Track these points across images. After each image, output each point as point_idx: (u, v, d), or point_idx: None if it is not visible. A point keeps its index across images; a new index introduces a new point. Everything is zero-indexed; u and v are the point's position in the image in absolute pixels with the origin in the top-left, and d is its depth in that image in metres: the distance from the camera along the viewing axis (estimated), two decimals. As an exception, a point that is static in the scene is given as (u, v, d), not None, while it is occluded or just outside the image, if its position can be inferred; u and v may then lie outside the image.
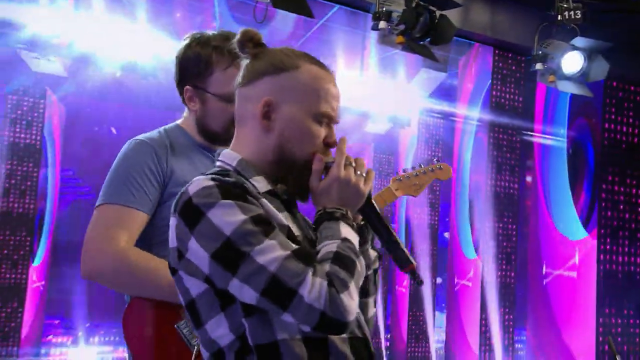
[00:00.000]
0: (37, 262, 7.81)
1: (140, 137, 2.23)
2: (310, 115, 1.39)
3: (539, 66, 6.21)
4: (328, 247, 1.30)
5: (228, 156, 1.44)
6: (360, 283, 1.32)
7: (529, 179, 8.27)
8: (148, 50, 6.52)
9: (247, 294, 1.23)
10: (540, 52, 6.17)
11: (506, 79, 7.30)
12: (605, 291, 6.64)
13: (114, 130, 8.68)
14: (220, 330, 1.30)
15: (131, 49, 6.50)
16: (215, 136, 2.22)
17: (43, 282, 8.14)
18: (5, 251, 6.96)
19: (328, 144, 1.41)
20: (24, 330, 7.22)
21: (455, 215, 7.87)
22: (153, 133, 2.22)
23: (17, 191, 7.13)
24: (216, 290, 1.29)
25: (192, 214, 1.27)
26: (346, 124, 8.66)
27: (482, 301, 7.08)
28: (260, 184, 1.39)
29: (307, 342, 1.31)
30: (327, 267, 1.25)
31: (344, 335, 1.34)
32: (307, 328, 1.25)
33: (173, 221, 1.33)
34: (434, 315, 8.75)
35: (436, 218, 8.74)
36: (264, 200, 1.32)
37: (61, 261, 8.82)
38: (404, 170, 2.57)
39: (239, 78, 1.45)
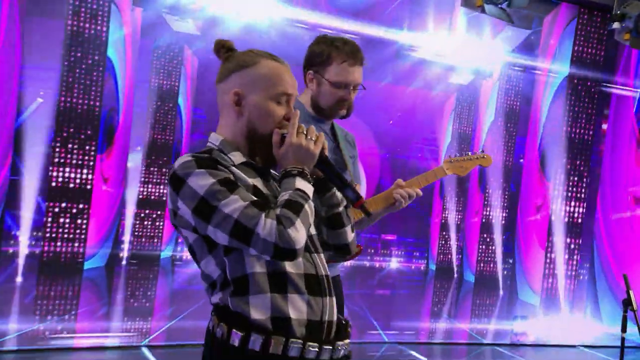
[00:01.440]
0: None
1: None
2: (270, 98, 1.55)
3: (616, 25, 6.39)
4: (283, 196, 1.47)
5: (214, 138, 1.62)
6: (311, 220, 1.49)
7: (604, 126, 8.19)
8: (264, 13, 7.29)
9: (220, 237, 1.42)
10: (619, 12, 6.27)
11: (589, 35, 7.37)
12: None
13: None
14: (210, 267, 1.49)
15: (251, 11, 7.24)
16: (322, 112, 2.58)
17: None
18: (150, 174, 8.07)
19: (289, 119, 1.57)
20: (165, 235, 8.28)
21: (529, 159, 8.09)
22: None
23: (160, 126, 8.17)
24: (202, 236, 1.47)
25: (177, 182, 1.45)
26: (431, 76, 9.24)
27: (549, 232, 7.48)
28: (236, 157, 1.56)
29: (270, 276, 1.48)
30: (278, 210, 1.42)
31: (299, 272, 1.52)
32: (267, 257, 1.43)
33: (168, 189, 1.51)
34: (502, 241, 8.98)
35: (510, 160, 8.88)
36: (234, 169, 1.51)
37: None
38: (456, 155, 2.86)
39: (217, 76, 1.64)
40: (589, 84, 7.58)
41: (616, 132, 7.93)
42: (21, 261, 6.56)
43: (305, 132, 1.54)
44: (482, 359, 6.20)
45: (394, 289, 9.47)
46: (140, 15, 7.48)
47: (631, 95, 7.82)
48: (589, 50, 7.56)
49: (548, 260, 7.60)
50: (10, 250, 6.63)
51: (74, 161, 6.41)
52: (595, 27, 7.41)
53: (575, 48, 7.51)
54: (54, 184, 6.36)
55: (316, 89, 2.54)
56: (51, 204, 6.40)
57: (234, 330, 1.46)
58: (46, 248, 6.39)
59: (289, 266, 1.52)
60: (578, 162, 7.60)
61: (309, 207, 1.48)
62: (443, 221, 10.48)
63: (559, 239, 7.50)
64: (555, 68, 7.89)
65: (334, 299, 1.61)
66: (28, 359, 5.32)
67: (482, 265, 9.19)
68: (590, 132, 7.67)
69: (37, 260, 6.47)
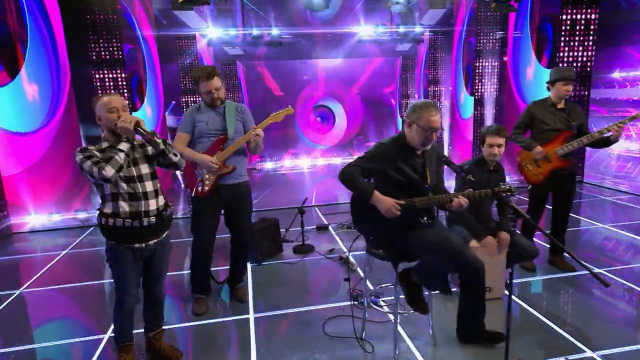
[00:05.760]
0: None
1: (192, 105, 3.68)
2: (107, 112, 2.64)
3: (489, -2, 8.55)
4: (111, 153, 2.62)
5: (102, 139, 2.77)
6: (120, 163, 2.56)
7: (505, 58, 9.87)
8: (277, 33, 10.00)
9: (79, 165, 2.56)
10: (489, -8, 8.37)
11: (488, 4, 9.16)
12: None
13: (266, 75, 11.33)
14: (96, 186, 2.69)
15: (270, 35, 10.04)
16: (208, 105, 3.62)
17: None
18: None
19: (119, 117, 2.63)
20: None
21: (454, 87, 10.68)
22: (196, 105, 3.59)
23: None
24: None
25: (78, 151, 2.60)
26: (384, 47, 11.72)
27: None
28: (104, 144, 2.72)
29: (113, 194, 2.66)
30: (100, 159, 2.56)
31: (124, 192, 2.63)
32: (93, 181, 2.57)
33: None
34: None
35: (439, 88, 11.29)
36: (96, 152, 2.65)
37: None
38: (279, 109, 3.49)
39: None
40: (489, 34, 9.37)
41: (513, 61, 9.57)
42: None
43: (124, 120, 2.63)
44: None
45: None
46: (212, 50, 10.96)
47: (521, 37, 9.33)
48: (488, 12, 9.31)
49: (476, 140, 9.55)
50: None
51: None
52: (488, -1, 9.36)
53: (478, 13, 9.37)
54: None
55: (202, 96, 3.56)
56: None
57: (99, 216, 2.68)
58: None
59: (120, 189, 2.58)
60: (490, 83, 9.56)
61: (119, 158, 2.58)
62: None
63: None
64: (464, 28, 9.82)
65: (153, 200, 2.73)
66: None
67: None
68: (496, 63, 9.58)
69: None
